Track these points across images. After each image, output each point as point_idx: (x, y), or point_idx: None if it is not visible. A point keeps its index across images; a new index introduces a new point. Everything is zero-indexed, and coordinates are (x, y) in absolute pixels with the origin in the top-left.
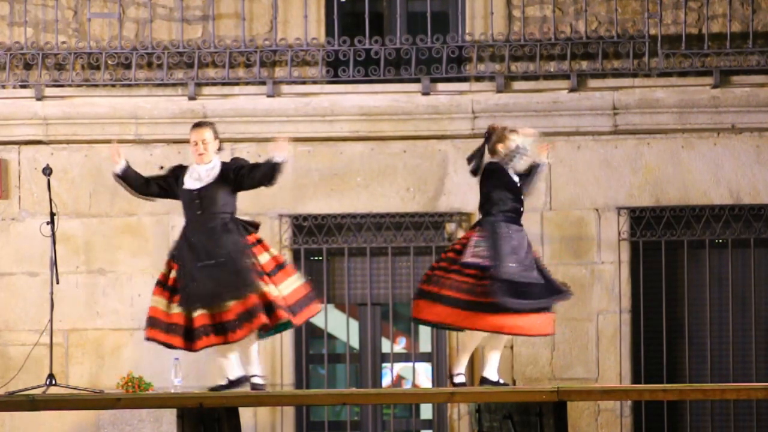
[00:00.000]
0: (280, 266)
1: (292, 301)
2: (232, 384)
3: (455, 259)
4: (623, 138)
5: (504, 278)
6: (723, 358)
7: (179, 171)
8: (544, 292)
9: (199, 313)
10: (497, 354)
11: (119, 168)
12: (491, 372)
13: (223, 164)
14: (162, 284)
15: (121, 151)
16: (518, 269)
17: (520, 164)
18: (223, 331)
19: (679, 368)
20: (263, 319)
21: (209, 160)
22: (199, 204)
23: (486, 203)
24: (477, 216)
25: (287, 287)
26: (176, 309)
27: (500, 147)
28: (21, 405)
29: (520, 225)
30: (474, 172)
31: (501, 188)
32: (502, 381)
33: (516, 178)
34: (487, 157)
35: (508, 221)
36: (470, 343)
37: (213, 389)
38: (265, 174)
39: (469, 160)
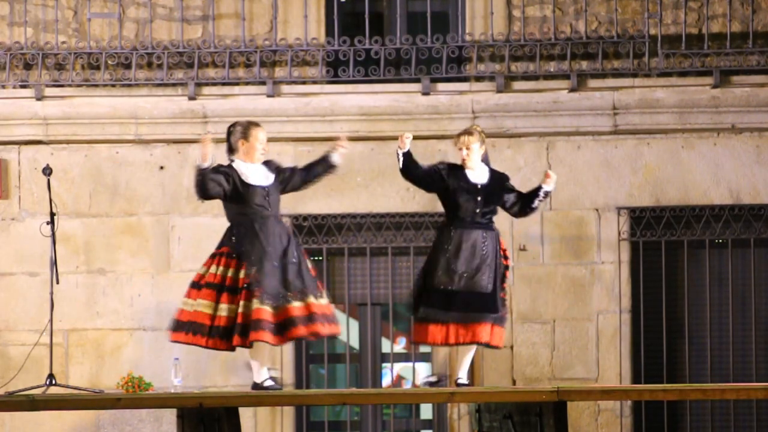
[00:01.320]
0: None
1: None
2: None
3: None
4: (623, 138)
5: (434, 288)
6: (723, 358)
7: (230, 169)
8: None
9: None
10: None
11: (207, 164)
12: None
13: (267, 165)
14: (204, 285)
15: (210, 147)
16: (456, 279)
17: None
18: (282, 330)
19: (679, 368)
20: (303, 330)
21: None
22: (268, 201)
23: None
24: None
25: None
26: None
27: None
28: (21, 405)
29: (480, 228)
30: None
31: (459, 192)
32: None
33: (476, 181)
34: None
35: (466, 226)
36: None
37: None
38: (321, 174)
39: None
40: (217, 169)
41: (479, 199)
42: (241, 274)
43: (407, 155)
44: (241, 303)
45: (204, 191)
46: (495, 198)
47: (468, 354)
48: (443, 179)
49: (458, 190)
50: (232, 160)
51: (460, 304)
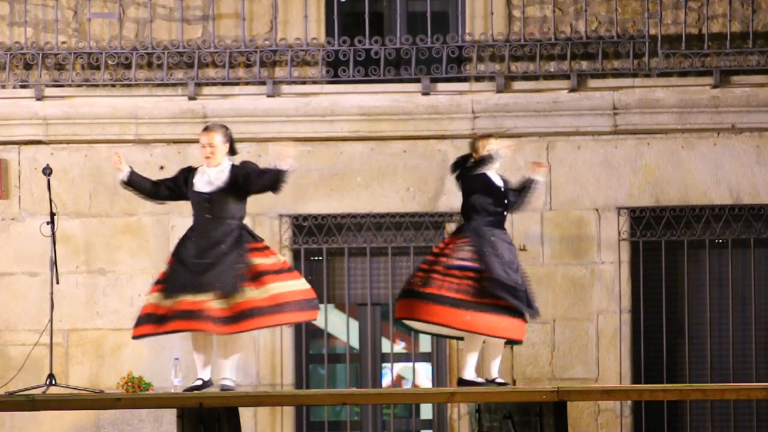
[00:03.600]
0: (288, 269)
1: (287, 300)
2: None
3: (446, 263)
4: (623, 138)
5: (496, 279)
6: (723, 358)
7: (188, 172)
8: (525, 298)
9: (180, 300)
10: (475, 355)
11: (123, 175)
12: (470, 372)
13: (234, 168)
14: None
15: (122, 158)
16: (503, 270)
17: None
18: (191, 318)
19: (679, 368)
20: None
21: (217, 163)
22: (209, 208)
23: (468, 209)
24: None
25: (290, 287)
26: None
27: (475, 155)
28: (21, 405)
29: (503, 229)
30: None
31: (484, 194)
32: (479, 380)
33: (500, 183)
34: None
35: (490, 225)
36: (475, 344)
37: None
38: (271, 180)
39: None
40: (180, 172)
41: (506, 202)
42: (165, 268)
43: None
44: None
45: (145, 197)
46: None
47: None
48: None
49: (488, 194)
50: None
51: (523, 299)
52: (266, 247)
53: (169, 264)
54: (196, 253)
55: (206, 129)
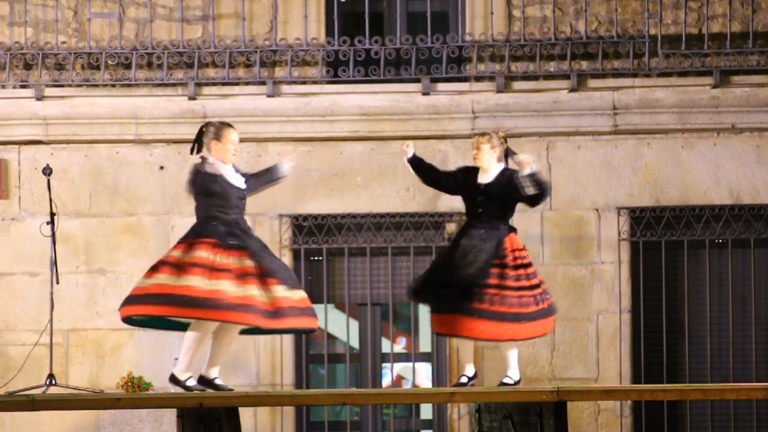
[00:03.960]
0: None
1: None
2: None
3: None
4: (623, 138)
5: (427, 279)
6: (723, 358)
7: (204, 167)
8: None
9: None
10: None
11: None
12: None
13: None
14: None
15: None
16: (444, 269)
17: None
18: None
19: (679, 368)
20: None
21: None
22: (244, 204)
23: None
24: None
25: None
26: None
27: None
28: (21, 405)
29: (486, 223)
30: None
31: (464, 192)
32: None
33: (482, 180)
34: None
35: (474, 222)
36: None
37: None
38: (268, 184)
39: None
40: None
41: (479, 198)
42: (250, 263)
43: (414, 162)
44: (267, 289)
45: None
46: (501, 197)
47: (508, 352)
48: (455, 181)
49: (464, 191)
50: (204, 158)
51: (445, 294)
52: None
53: (246, 257)
54: (260, 248)
55: (232, 127)
